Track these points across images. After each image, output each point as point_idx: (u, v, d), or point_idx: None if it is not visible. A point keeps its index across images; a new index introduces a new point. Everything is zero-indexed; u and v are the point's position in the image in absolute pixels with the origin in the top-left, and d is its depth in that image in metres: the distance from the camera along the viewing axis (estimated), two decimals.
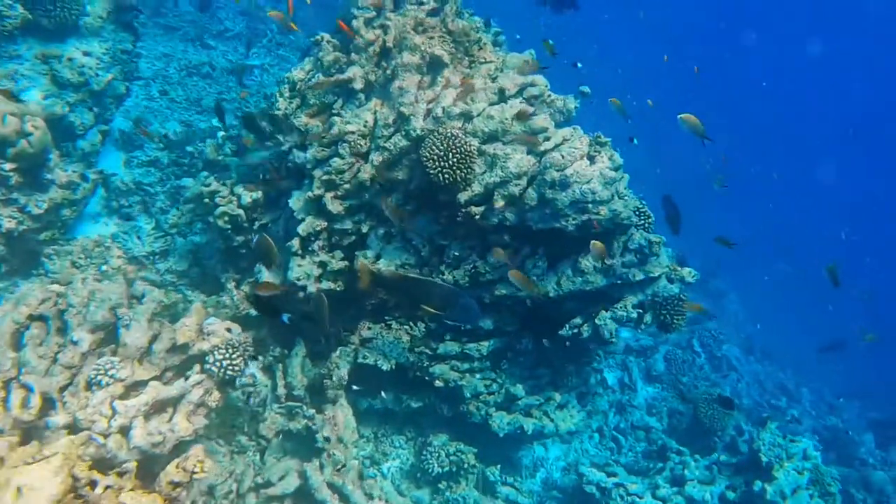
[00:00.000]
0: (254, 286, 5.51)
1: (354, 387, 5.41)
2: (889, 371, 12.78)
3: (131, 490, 3.38)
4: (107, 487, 3.27)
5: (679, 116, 4.96)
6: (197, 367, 4.56)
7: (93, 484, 3.18)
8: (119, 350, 4.37)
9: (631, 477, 6.08)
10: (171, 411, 4.46)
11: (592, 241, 4.89)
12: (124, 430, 4.18)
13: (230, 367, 4.59)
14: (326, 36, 5.47)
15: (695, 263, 12.23)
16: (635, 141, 6.10)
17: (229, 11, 8.74)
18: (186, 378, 4.47)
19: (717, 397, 6.92)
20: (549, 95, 5.54)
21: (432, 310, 4.84)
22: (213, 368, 4.53)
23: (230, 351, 4.59)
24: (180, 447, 4.43)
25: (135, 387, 4.35)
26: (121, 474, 3.57)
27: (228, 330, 4.68)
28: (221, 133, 6.20)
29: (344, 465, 5.10)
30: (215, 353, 4.54)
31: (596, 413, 7.24)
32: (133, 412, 4.21)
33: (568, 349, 5.98)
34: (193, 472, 3.79)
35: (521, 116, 5.00)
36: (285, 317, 3.90)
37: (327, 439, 5.14)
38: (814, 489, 6.01)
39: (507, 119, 5.09)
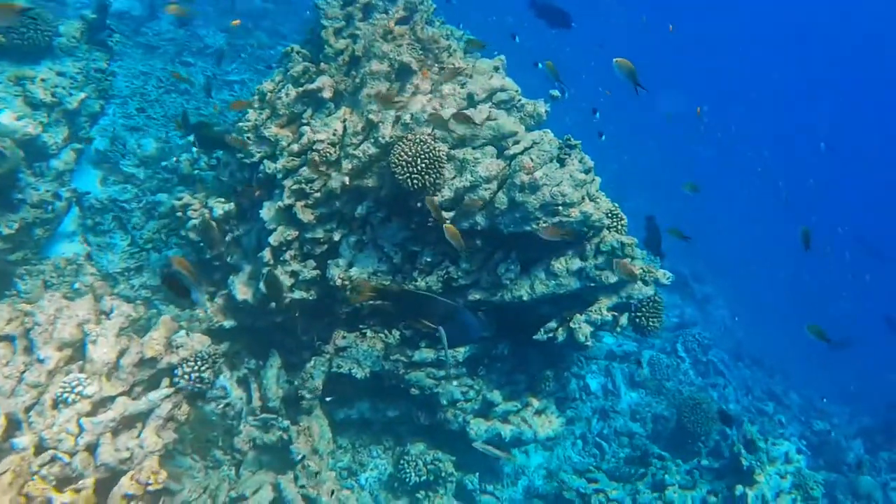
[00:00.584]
0: (226, 300, 5.51)
1: (328, 398, 5.37)
2: (877, 376, 12.74)
3: None
4: None
5: (614, 61, 4.96)
6: (166, 381, 4.52)
7: (48, 502, 3.12)
8: (86, 366, 4.33)
9: (612, 483, 6.03)
10: (140, 426, 4.41)
11: (616, 260, 4.90)
12: (91, 448, 4.14)
13: (199, 380, 4.55)
14: (296, 47, 5.50)
15: (684, 268, 12.25)
16: (603, 137, 6.17)
17: (209, 29, 8.80)
18: (154, 392, 4.42)
19: (717, 412, 6.83)
20: (520, 100, 5.58)
21: (430, 325, 4.88)
22: (182, 381, 4.49)
23: (199, 363, 4.56)
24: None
25: (103, 403, 4.31)
26: (77, 491, 3.52)
27: (198, 343, 4.64)
28: (195, 149, 6.21)
29: (318, 477, 5.04)
30: (184, 365, 4.51)
31: (579, 419, 7.20)
32: (100, 429, 4.17)
33: (545, 354, 5.97)
34: (148, 485, 3.73)
35: (458, 117, 4.98)
36: (196, 294, 3.85)
37: (303, 451, 5.09)
38: (797, 493, 5.96)
39: (475, 124, 5.12)
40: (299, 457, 5.05)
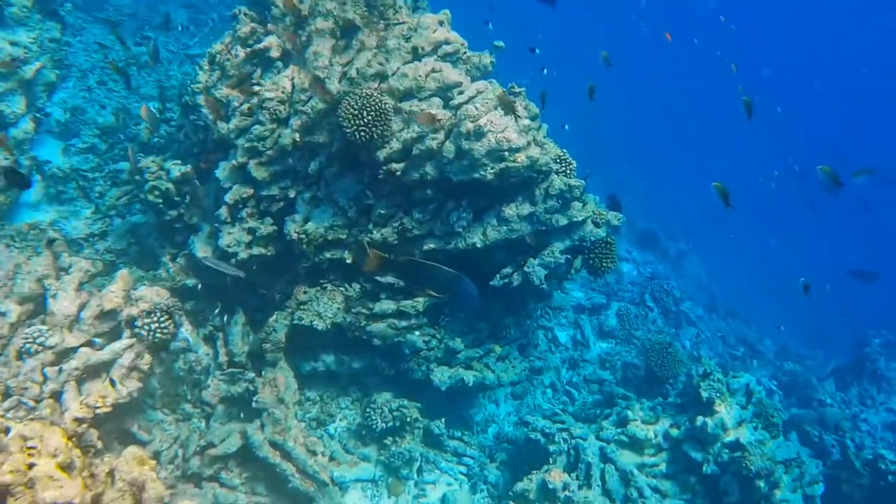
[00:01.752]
0: (188, 260, 5.65)
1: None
2: (850, 319, 12.96)
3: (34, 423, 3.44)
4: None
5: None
6: (127, 332, 4.67)
7: (5, 431, 3.28)
8: (47, 319, 4.47)
9: (578, 423, 6.22)
10: (105, 376, 4.57)
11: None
12: (56, 395, 4.30)
13: (160, 331, 4.70)
14: (244, 9, 5.58)
15: (657, 226, 12.43)
16: (567, 127, 6.34)
17: (172, 4, 8.85)
18: (116, 343, 4.57)
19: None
20: (465, 53, 5.67)
21: (434, 294, 5.07)
22: (143, 332, 4.64)
23: (159, 314, 4.71)
24: (114, 409, 4.55)
25: (66, 353, 4.46)
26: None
27: (156, 295, 4.78)
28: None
29: (284, 424, 5.22)
30: (143, 317, 4.65)
31: (548, 369, 7.38)
32: (64, 377, 4.33)
33: (505, 302, 6.12)
34: (97, 408, 3.89)
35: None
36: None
37: (267, 401, 5.25)
38: (757, 421, 6.15)
39: (420, 76, 5.23)
40: (264, 406, 5.21)
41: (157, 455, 5.05)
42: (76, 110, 6.51)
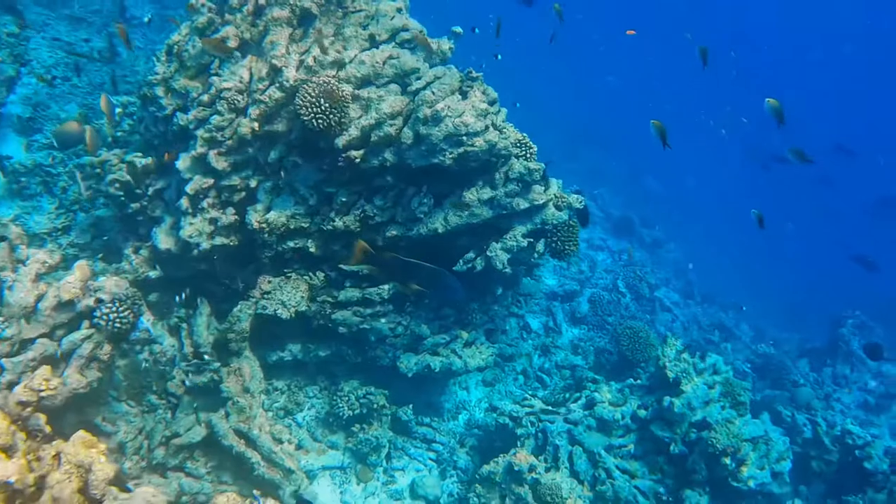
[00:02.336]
0: (151, 252, 5.64)
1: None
2: (826, 300, 13.08)
3: None
4: None
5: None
6: (86, 323, 4.66)
7: None
8: (3, 311, 4.46)
9: (547, 407, 6.25)
10: (63, 366, 4.56)
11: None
12: (12, 386, 4.29)
13: (118, 320, 4.69)
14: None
15: (632, 214, 12.49)
16: (517, 105, 6.39)
17: (138, 0, 8.83)
18: (75, 333, 4.57)
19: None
20: (424, 39, 5.69)
21: (418, 288, 5.13)
22: (101, 322, 4.64)
23: (117, 304, 4.70)
24: (74, 401, 4.55)
25: (23, 345, 4.45)
26: None
27: (115, 285, 4.78)
28: (119, 110, 6.30)
29: (250, 412, 5.23)
30: (102, 307, 4.65)
31: (520, 356, 7.42)
32: (21, 368, 4.32)
33: (471, 287, 6.14)
34: (41, 391, 3.89)
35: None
36: None
37: (232, 390, 5.26)
38: (725, 401, 6.21)
39: (378, 63, 5.25)
40: (229, 395, 5.22)
41: (121, 446, 5.05)
42: (39, 106, 6.49)
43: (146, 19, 7.89)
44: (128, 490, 3.49)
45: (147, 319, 5.06)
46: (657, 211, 13.64)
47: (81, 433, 3.48)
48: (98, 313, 4.66)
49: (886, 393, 9.77)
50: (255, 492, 4.92)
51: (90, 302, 4.67)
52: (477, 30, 6.83)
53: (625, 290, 9.20)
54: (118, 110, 6.28)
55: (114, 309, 4.69)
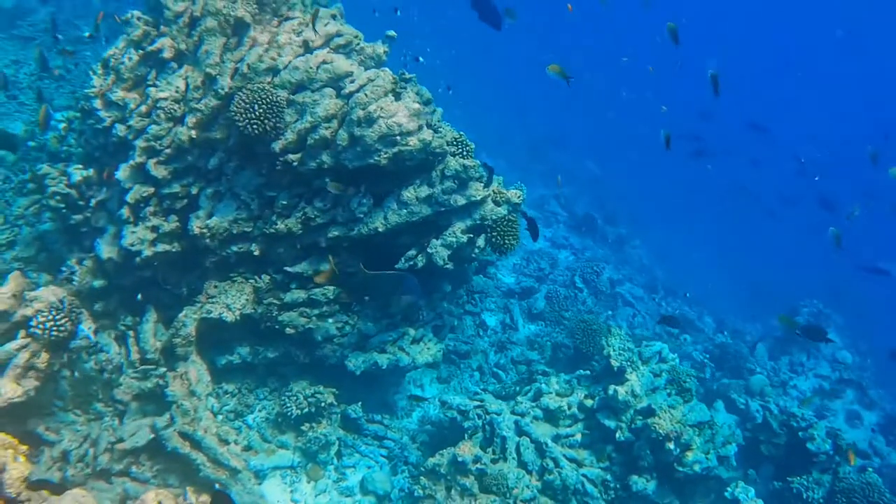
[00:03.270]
0: (94, 262, 5.70)
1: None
2: (786, 292, 13.28)
3: None
4: None
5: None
6: (22, 333, 4.71)
7: None
8: None
9: (497, 400, 6.35)
10: None
11: None
12: None
13: (56, 328, 4.74)
14: (137, 13, 5.66)
15: (594, 212, 12.63)
16: (450, 91, 6.54)
17: (90, 20, 8.90)
18: (10, 343, 4.61)
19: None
20: (359, 44, 5.82)
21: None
22: (38, 331, 4.68)
23: (54, 313, 4.75)
24: (11, 410, 4.60)
25: None
26: None
27: (51, 294, 4.84)
28: (63, 125, 6.36)
29: (195, 415, 5.28)
30: (38, 316, 4.70)
31: (475, 353, 7.51)
32: None
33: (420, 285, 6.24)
34: None
35: None
36: None
37: (177, 393, 5.32)
38: (671, 388, 6.33)
39: (311, 68, 5.36)
40: (174, 398, 5.27)
41: (65, 454, 5.08)
42: None
43: (86, 34, 7.96)
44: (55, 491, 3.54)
45: (88, 327, 5.11)
46: (626, 208, 13.82)
47: (1, 436, 3.53)
48: (34, 322, 4.71)
49: (841, 379, 9.95)
50: (216, 486, 5.01)
51: (26, 312, 4.72)
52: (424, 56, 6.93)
53: (582, 285, 9.33)
54: (63, 125, 6.35)
55: (50, 317, 4.74)
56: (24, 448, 3.55)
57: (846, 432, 7.57)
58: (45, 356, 4.73)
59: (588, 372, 6.67)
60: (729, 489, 6.05)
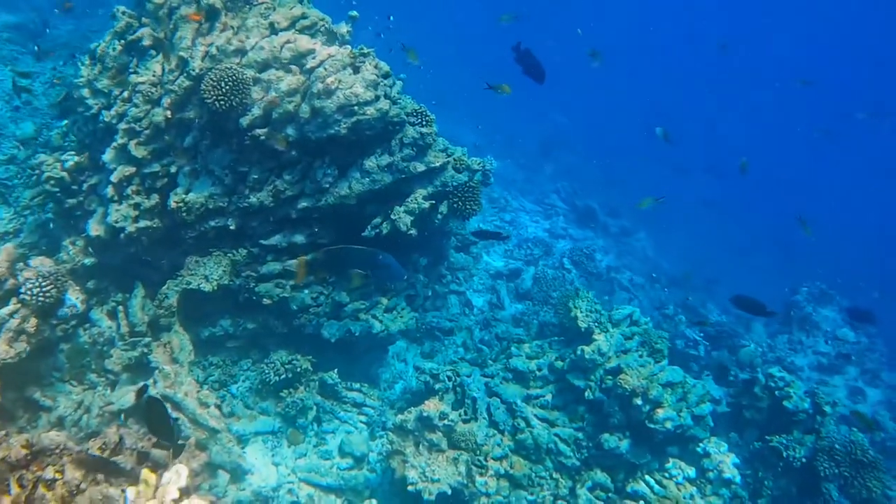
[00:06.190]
0: (86, 241, 6.12)
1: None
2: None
3: None
4: None
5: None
6: (14, 300, 5.11)
7: None
8: None
9: (473, 368, 6.51)
10: None
11: None
12: None
13: (43, 295, 5.13)
14: (122, 8, 6.14)
15: (593, 203, 12.73)
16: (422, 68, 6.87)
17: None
18: (2, 309, 5.02)
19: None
20: (324, 25, 6.18)
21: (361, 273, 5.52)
22: (27, 297, 5.08)
23: (41, 280, 5.15)
24: (6, 372, 4.99)
25: None
26: None
27: (40, 264, 5.24)
28: (66, 122, 6.88)
29: (175, 379, 5.59)
30: (27, 283, 5.10)
31: (460, 330, 7.69)
32: None
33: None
34: None
35: None
36: None
37: (159, 359, 5.65)
38: (643, 350, 6.40)
39: (276, 48, 5.73)
40: (157, 364, 5.60)
41: (61, 419, 5.46)
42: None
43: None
44: None
45: (77, 297, 5.49)
46: (623, 199, 13.85)
47: None
48: (23, 289, 5.11)
49: (839, 353, 9.76)
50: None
51: (18, 280, 5.13)
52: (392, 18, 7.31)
53: (570, 266, 9.44)
54: (65, 122, 6.85)
55: (37, 284, 5.14)
56: None
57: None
58: (34, 321, 5.11)
59: (562, 338, 6.78)
60: (702, 444, 6.06)
